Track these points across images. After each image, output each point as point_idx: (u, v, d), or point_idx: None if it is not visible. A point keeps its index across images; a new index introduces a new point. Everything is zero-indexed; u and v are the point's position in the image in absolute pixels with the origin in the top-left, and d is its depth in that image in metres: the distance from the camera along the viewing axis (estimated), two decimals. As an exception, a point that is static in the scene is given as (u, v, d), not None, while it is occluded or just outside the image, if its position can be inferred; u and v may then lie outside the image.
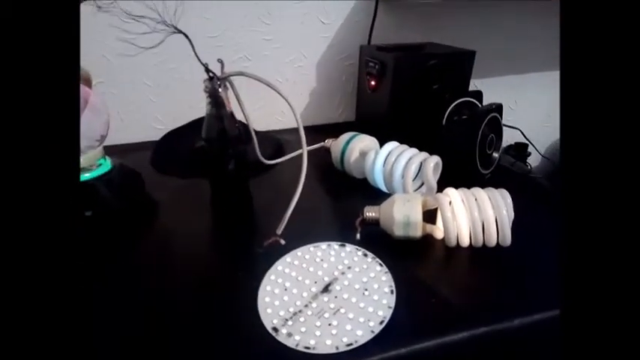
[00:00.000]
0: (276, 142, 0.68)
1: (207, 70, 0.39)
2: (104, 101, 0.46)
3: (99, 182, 0.44)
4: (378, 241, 0.41)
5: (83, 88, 0.43)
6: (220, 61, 0.39)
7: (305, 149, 0.41)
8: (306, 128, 0.43)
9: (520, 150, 0.91)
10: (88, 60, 0.44)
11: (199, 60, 0.38)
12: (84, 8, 0.38)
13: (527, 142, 0.89)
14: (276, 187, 0.54)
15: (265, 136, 0.65)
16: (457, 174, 0.49)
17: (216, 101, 0.40)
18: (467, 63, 0.61)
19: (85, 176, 0.43)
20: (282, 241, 0.40)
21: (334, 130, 0.62)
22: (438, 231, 0.41)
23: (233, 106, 0.44)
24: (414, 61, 0.58)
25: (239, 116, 0.45)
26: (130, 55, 0.39)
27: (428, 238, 0.42)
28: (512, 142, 0.91)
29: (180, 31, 0.37)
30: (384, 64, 0.59)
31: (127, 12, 0.35)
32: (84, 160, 0.44)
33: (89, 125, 0.44)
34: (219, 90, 0.40)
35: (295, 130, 0.75)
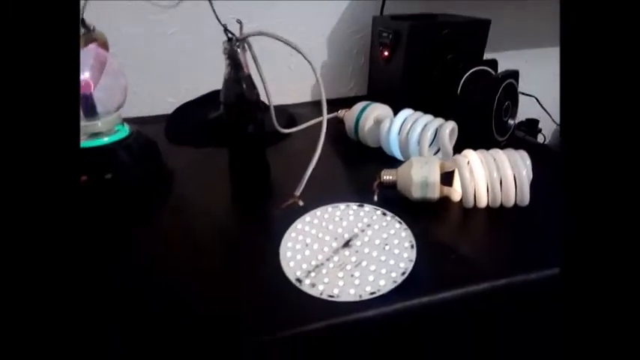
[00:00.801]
0: (289, 115, 0.68)
1: (226, 31, 0.39)
2: (121, 66, 0.46)
3: (118, 147, 0.44)
4: (396, 204, 0.41)
5: (100, 51, 0.44)
6: (239, 22, 0.39)
7: (325, 107, 0.41)
8: (318, 102, 0.43)
9: (531, 126, 0.90)
10: (99, 30, 0.44)
11: (218, 19, 0.38)
12: None
13: (538, 117, 0.88)
14: (291, 156, 0.54)
15: (278, 109, 0.64)
16: (473, 141, 0.49)
17: (235, 63, 0.40)
18: (481, 32, 0.61)
19: (104, 140, 0.44)
20: (301, 202, 0.41)
21: (346, 103, 0.61)
22: (456, 193, 0.42)
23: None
24: (428, 30, 0.58)
25: (256, 83, 0.45)
26: (149, 19, 0.38)
27: (445, 201, 0.42)
28: (524, 119, 0.91)
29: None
30: (398, 33, 0.59)
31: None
32: (102, 124, 0.44)
33: (107, 89, 0.44)
34: (238, 52, 0.40)
35: (306, 105, 0.77)
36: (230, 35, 0.39)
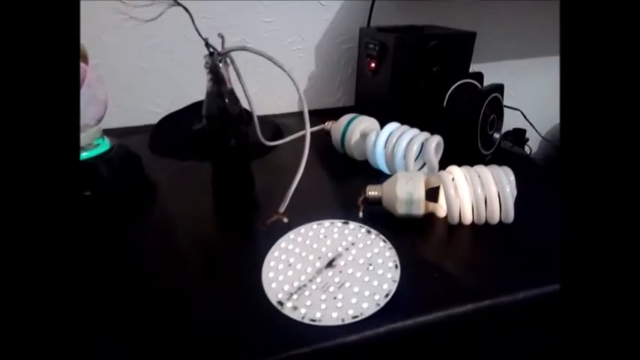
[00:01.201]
0: (275, 126, 0.67)
1: (208, 45, 0.38)
2: (101, 79, 0.45)
3: (98, 161, 0.43)
4: (381, 220, 0.41)
5: (80, 65, 0.42)
6: (221, 36, 0.38)
7: (308, 124, 0.40)
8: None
9: (518, 135, 0.91)
10: (82, 41, 0.43)
11: (199, 34, 0.37)
12: None
13: (525, 127, 0.89)
14: (276, 169, 0.53)
15: (263, 120, 0.64)
16: (458, 155, 0.49)
17: (216, 77, 0.40)
18: (467, 45, 0.61)
19: (83, 155, 0.43)
20: (285, 219, 0.40)
21: (333, 114, 0.61)
22: (441, 209, 0.41)
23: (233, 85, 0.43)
24: (414, 42, 0.58)
25: (239, 95, 0.45)
26: (129, 27, 0.38)
27: (430, 217, 0.42)
28: (511, 128, 0.91)
29: (179, 4, 0.36)
30: (384, 45, 0.59)
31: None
32: (82, 139, 0.43)
33: (86, 103, 0.43)
34: (220, 66, 0.39)
35: (293, 115, 0.76)
36: (212, 50, 0.39)
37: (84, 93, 0.43)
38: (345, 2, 0.71)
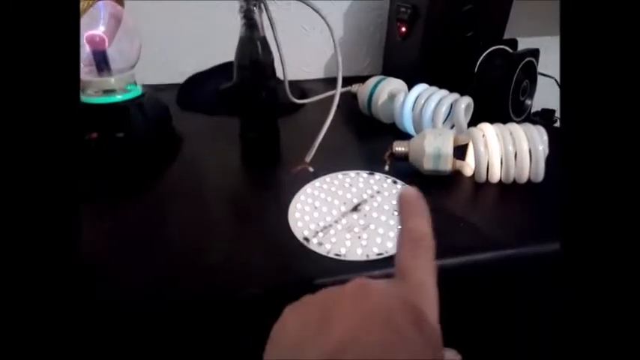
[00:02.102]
0: (300, 89, 0.67)
1: (244, -12, 0.38)
2: (136, 23, 0.45)
3: (131, 105, 0.44)
4: (407, 176, 0.40)
5: (116, 7, 0.43)
6: (257, -20, 0.38)
7: (340, 73, 0.40)
8: (331, 79, 0.43)
9: (547, 116, 0.88)
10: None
11: (236, -24, 0.37)
12: None
13: (555, 105, 0.86)
14: (303, 127, 0.53)
15: (290, 83, 0.64)
16: (488, 119, 0.48)
17: (250, 23, 0.40)
18: (503, 10, 0.59)
19: (117, 98, 0.44)
20: (311, 169, 0.41)
21: (360, 81, 0.60)
22: (468, 167, 0.41)
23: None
24: (448, 6, 0.56)
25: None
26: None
27: (457, 175, 0.42)
28: (539, 109, 0.89)
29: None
30: (416, 8, 0.58)
31: None
32: (115, 81, 0.44)
33: (122, 45, 0.44)
34: (254, 11, 0.39)
35: (318, 81, 0.76)
36: (247, -6, 0.39)
37: (119, 37, 0.44)
38: (377, -33, 0.69)
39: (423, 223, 0.21)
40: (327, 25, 0.39)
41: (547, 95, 0.85)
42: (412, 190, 0.23)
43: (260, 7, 0.40)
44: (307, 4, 0.38)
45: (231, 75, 0.44)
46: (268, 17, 0.42)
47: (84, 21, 0.41)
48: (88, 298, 0.26)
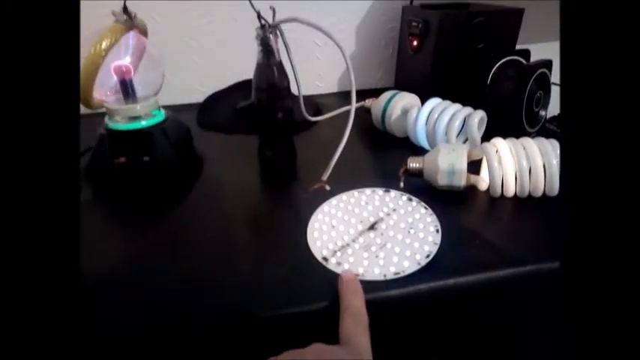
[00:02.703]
0: (315, 104, 0.69)
1: (260, 17, 0.40)
2: (160, 52, 0.48)
3: (155, 130, 0.46)
4: (422, 191, 0.41)
5: (140, 38, 0.46)
6: (272, 9, 0.40)
7: (354, 90, 0.41)
8: (344, 93, 0.44)
9: (564, 121, 0.87)
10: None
11: (252, 6, 0.39)
12: None
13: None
14: (318, 144, 0.55)
15: (305, 99, 0.66)
16: (502, 132, 0.48)
17: (267, 49, 0.42)
18: (514, 21, 0.60)
19: (142, 124, 0.46)
20: (328, 187, 0.42)
21: (373, 94, 0.62)
22: (482, 182, 0.41)
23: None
24: (459, 19, 0.57)
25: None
26: (184, 8, 0.40)
27: (471, 190, 0.42)
28: (556, 113, 0.88)
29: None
30: (427, 22, 0.59)
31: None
32: (141, 108, 0.46)
33: (146, 74, 0.46)
34: (270, 38, 0.41)
35: (331, 95, 0.77)
36: (263, 22, 0.40)
37: (144, 66, 0.46)
38: (388, -19, 0.71)
39: (359, 301, 0.28)
40: (338, 46, 0.41)
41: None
42: (350, 274, 0.31)
43: (276, 34, 0.42)
44: (318, 29, 0.40)
45: (248, 93, 0.46)
46: (284, 42, 0.43)
47: (111, 52, 0.43)
48: (109, 316, 0.28)
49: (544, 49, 0.84)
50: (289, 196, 0.45)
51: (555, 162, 0.38)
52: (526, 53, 0.56)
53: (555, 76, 0.56)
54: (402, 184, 0.42)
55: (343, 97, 0.75)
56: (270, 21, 0.41)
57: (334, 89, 0.78)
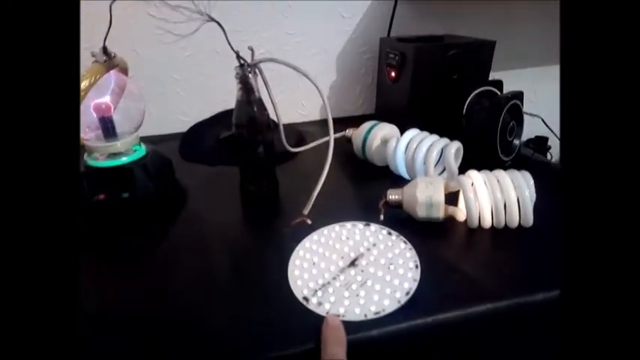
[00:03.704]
0: (298, 133, 0.70)
1: (239, 57, 0.41)
2: (140, 90, 0.48)
3: (135, 166, 0.46)
4: (401, 223, 0.42)
5: (120, 76, 0.46)
6: (251, 49, 0.41)
7: (332, 129, 0.42)
8: (326, 121, 0.45)
9: (540, 143, 0.90)
10: (120, 54, 0.47)
11: (231, 47, 0.40)
12: (117, 4, 0.41)
13: (547, 135, 0.89)
14: (299, 174, 0.56)
15: (286, 127, 0.66)
16: (478, 161, 0.50)
17: (246, 87, 0.42)
18: (486, 53, 0.62)
19: (123, 160, 0.46)
20: (309, 221, 0.42)
21: (354, 122, 0.63)
22: (460, 213, 0.42)
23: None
24: (434, 52, 0.60)
25: (266, 105, 0.47)
26: (167, 43, 0.41)
27: (450, 221, 0.43)
28: (533, 136, 0.91)
29: (214, 20, 0.39)
30: (404, 55, 0.61)
31: (165, 1, 0.37)
32: (121, 145, 0.46)
33: (127, 112, 0.46)
34: (250, 76, 0.42)
35: (314, 123, 0.78)
36: (242, 61, 0.41)
37: (124, 103, 0.47)
38: (365, 13, 0.73)
39: (342, 353, 0.28)
40: (315, 85, 0.42)
41: (538, 127, 0.87)
42: (336, 320, 0.30)
43: (255, 72, 0.43)
44: (294, 69, 0.41)
45: (230, 123, 0.46)
46: (263, 80, 0.44)
47: (91, 92, 0.44)
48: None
49: (517, 75, 0.88)
50: (271, 231, 0.45)
51: (528, 194, 0.39)
52: (499, 84, 0.58)
53: (528, 104, 0.59)
54: (382, 217, 0.43)
55: (325, 124, 0.75)
56: (248, 60, 0.42)
57: (317, 117, 0.80)
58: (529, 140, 0.91)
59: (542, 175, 0.42)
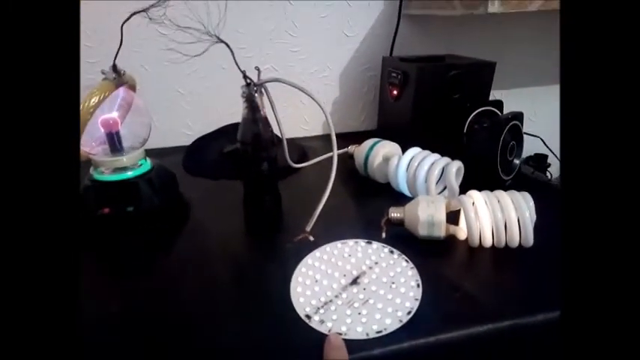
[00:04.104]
0: (301, 148, 0.70)
1: (245, 77, 0.42)
2: (147, 105, 0.49)
3: (140, 180, 0.47)
4: (403, 241, 0.42)
5: (128, 92, 0.47)
6: (257, 69, 0.42)
7: (335, 147, 0.43)
8: (329, 136, 0.46)
9: (540, 161, 0.91)
10: (128, 69, 0.48)
11: (238, 67, 0.41)
12: (128, 23, 0.42)
13: (547, 153, 0.89)
14: (302, 190, 0.56)
15: (290, 143, 0.67)
16: (479, 180, 0.50)
17: (252, 106, 0.43)
18: (487, 74, 0.63)
19: (128, 175, 0.47)
20: (311, 238, 0.42)
21: (356, 137, 0.64)
22: (461, 232, 0.43)
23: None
24: (435, 72, 0.61)
25: (271, 121, 0.48)
26: (176, 62, 0.42)
27: (451, 239, 0.43)
28: (532, 153, 0.92)
29: (222, 41, 0.40)
30: (406, 74, 0.62)
31: (175, 23, 0.38)
32: (127, 159, 0.47)
33: (133, 126, 0.47)
34: (255, 95, 0.43)
35: (317, 138, 0.79)
36: (248, 81, 0.42)
37: (131, 118, 0.47)
38: (368, 32, 0.75)
39: None
40: (319, 104, 0.43)
41: (538, 145, 0.88)
42: (338, 340, 0.30)
43: (260, 92, 0.44)
44: (300, 89, 0.42)
45: (235, 136, 0.47)
46: (269, 99, 0.45)
47: (100, 107, 0.44)
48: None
49: (516, 94, 0.89)
50: (273, 246, 0.45)
51: (528, 214, 0.39)
52: (499, 104, 0.59)
53: (528, 122, 0.60)
54: (384, 235, 0.43)
55: (328, 139, 0.76)
56: (255, 79, 0.43)
57: (319, 132, 0.81)
58: (529, 158, 0.92)
59: (543, 193, 0.43)
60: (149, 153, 0.53)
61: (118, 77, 0.43)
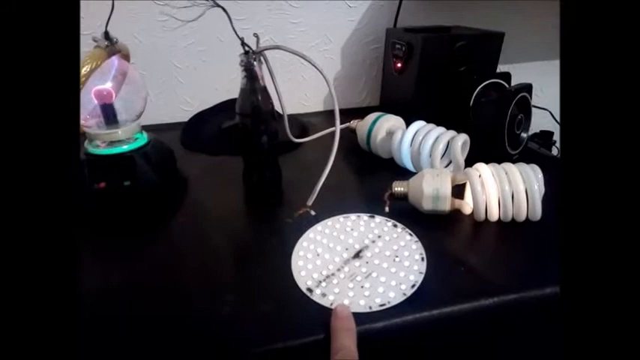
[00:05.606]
0: (301, 124, 0.69)
1: (244, 44, 0.40)
2: (142, 77, 0.47)
3: (136, 154, 0.45)
4: (407, 215, 0.41)
5: (122, 62, 0.45)
6: (256, 36, 0.40)
7: (337, 118, 0.41)
8: (330, 112, 0.44)
9: (546, 138, 0.89)
10: (120, 40, 0.46)
11: (236, 33, 0.39)
12: None
13: (553, 129, 0.88)
14: (303, 165, 0.55)
15: (290, 118, 0.66)
16: (485, 154, 0.49)
17: (250, 75, 0.41)
18: (495, 45, 0.61)
19: (124, 148, 0.45)
20: (313, 212, 0.42)
21: (358, 113, 0.62)
22: (467, 206, 0.42)
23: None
24: (441, 43, 0.58)
25: (271, 93, 0.46)
26: (168, 29, 0.40)
27: (456, 214, 0.42)
28: (538, 130, 0.90)
29: (219, 5, 0.38)
30: (411, 45, 0.59)
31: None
32: (122, 132, 0.45)
33: (128, 98, 0.45)
34: (254, 64, 0.41)
35: (318, 114, 0.78)
36: (247, 48, 0.40)
37: (126, 90, 0.46)
38: (372, 3, 0.72)
39: (352, 343, 0.27)
40: (321, 73, 0.41)
41: (545, 121, 0.86)
42: (346, 310, 0.29)
43: (260, 60, 0.42)
44: (301, 56, 0.40)
45: (233, 112, 0.46)
46: (268, 68, 0.43)
47: (93, 77, 0.43)
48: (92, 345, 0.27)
49: (524, 68, 0.87)
50: (274, 222, 0.44)
51: (537, 187, 0.38)
52: (507, 76, 0.57)
53: (535, 98, 0.58)
54: (387, 209, 0.42)
55: (329, 115, 0.75)
56: (253, 47, 0.41)
57: (320, 108, 0.79)
58: (534, 135, 0.90)
59: (550, 169, 0.41)
60: (145, 129, 0.51)
61: (110, 45, 0.41)
